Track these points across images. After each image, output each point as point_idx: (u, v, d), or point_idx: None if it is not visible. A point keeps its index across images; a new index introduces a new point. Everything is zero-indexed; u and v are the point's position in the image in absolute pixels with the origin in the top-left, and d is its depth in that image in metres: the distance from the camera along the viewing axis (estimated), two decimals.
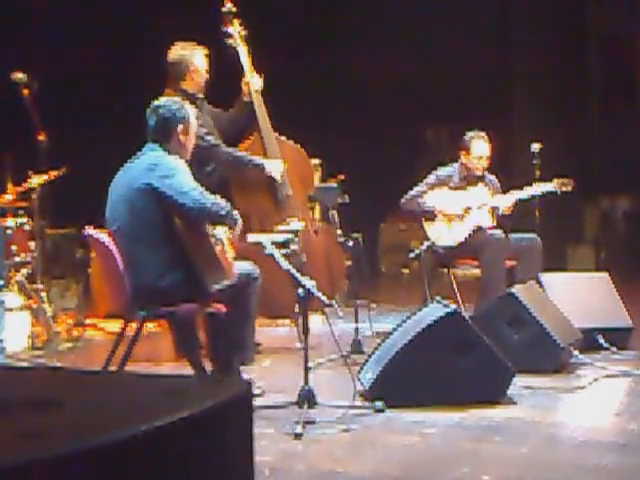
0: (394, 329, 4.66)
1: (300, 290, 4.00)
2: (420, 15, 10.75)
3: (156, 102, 4.36)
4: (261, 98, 5.87)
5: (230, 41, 5.91)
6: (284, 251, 4.34)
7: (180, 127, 4.29)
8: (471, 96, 10.49)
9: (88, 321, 6.72)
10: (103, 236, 4.35)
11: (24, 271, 6.12)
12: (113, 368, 4.13)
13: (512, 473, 3.30)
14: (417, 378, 4.23)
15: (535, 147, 6.46)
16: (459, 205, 6.30)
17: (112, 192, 4.29)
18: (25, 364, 5.43)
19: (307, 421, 3.87)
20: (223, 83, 5.51)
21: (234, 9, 5.94)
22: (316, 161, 7.64)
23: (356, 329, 5.69)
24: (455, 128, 6.66)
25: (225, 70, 5.60)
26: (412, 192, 6.42)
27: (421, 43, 10.70)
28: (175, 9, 9.60)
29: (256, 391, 4.27)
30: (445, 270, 6.47)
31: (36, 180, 6.11)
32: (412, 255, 5.99)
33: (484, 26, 11.21)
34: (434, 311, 4.48)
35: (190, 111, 4.38)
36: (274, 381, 4.73)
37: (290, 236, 4.59)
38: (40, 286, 6.10)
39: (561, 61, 11.34)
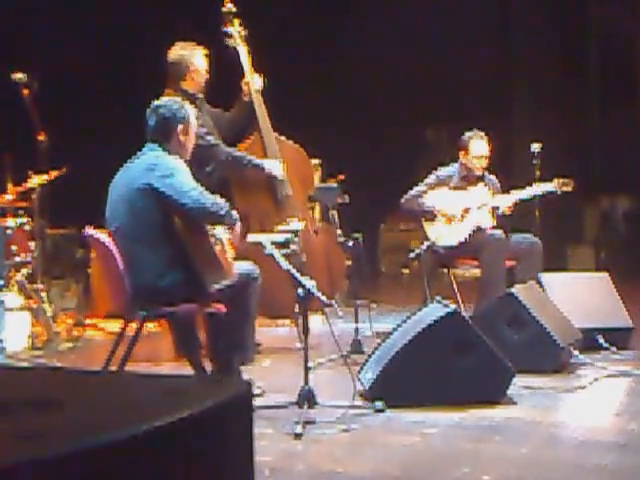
0: (394, 329, 4.66)
1: (300, 290, 4.00)
2: (420, 15, 10.76)
3: (156, 102, 4.36)
4: (261, 98, 5.88)
5: (230, 41, 5.91)
6: (284, 251, 4.35)
7: (180, 127, 4.29)
8: (471, 96, 10.50)
9: (88, 321, 6.72)
10: (103, 236, 4.35)
11: (24, 271, 6.13)
12: (113, 368, 4.13)
13: (512, 473, 3.30)
14: (417, 378, 4.23)
15: (535, 147, 6.46)
16: (459, 205, 6.30)
17: (112, 192, 4.29)
18: (25, 364, 5.43)
19: (307, 421, 3.87)
20: (223, 83, 5.51)
21: (234, 9, 5.94)
22: (316, 161, 7.64)
23: (356, 329, 5.70)
24: (455, 128, 6.66)
25: (225, 70, 5.60)
26: (412, 192, 6.42)
27: (421, 43, 10.70)
28: (175, 9, 9.60)
29: (256, 391, 4.27)
30: (445, 270, 6.48)
31: (36, 180, 6.12)
32: (412, 255, 5.99)
33: (484, 26, 11.22)
34: (434, 311, 4.48)
35: (190, 111, 4.38)
36: (274, 381, 4.72)
37: (290, 236, 4.59)
38: (40, 286, 6.10)
39: (561, 61, 11.35)
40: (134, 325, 4.22)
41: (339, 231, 5.88)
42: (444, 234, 6.22)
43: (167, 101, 4.40)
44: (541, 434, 3.84)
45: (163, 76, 5.53)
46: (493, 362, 4.31)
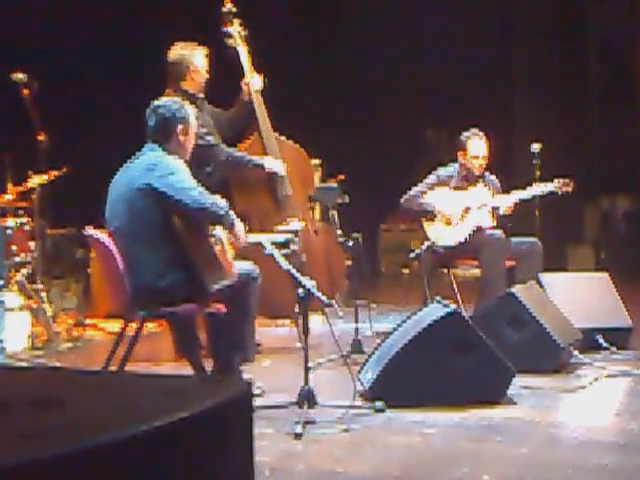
0: (394, 329, 4.66)
1: (300, 290, 4.00)
2: (420, 15, 10.76)
3: (156, 102, 4.36)
4: (261, 98, 5.88)
5: (230, 41, 5.91)
6: (284, 251, 4.35)
7: (180, 127, 4.29)
8: (471, 96, 10.49)
9: (88, 321, 6.72)
10: (103, 236, 4.35)
11: (24, 271, 6.12)
12: (113, 368, 4.13)
13: (512, 473, 3.30)
14: (417, 378, 4.23)
15: (535, 147, 6.46)
16: (459, 205, 6.30)
17: (112, 192, 4.29)
18: (25, 364, 5.43)
19: (307, 421, 3.87)
20: (223, 83, 5.51)
21: (234, 9, 5.94)
22: (316, 161, 7.64)
23: (356, 329, 5.69)
24: (455, 128, 6.66)
25: (225, 70, 5.60)
26: (412, 192, 6.42)
27: (421, 43, 10.70)
28: (175, 9, 9.60)
29: (256, 391, 4.28)
30: (445, 270, 6.47)
31: (36, 180, 6.11)
32: (412, 255, 5.99)
33: (484, 26, 11.21)
34: (434, 311, 4.48)
35: (190, 111, 4.38)
36: (274, 381, 4.73)
37: (290, 236, 4.59)
38: (40, 286, 6.10)
39: (561, 61, 11.35)
40: (134, 325, 4.22)
41: (339, 231, 5.88)
42: (444, 234, 6.22)
43: (167, 101, 4.40)
44: (541, 434, 3.84)
45: (163, 76, 5.53)
46: (493, 362, 4.31)
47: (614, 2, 11.56)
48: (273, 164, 5.75)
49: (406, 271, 9.83)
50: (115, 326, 5.17)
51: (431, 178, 6.46)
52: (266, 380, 4.63)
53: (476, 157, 6.32)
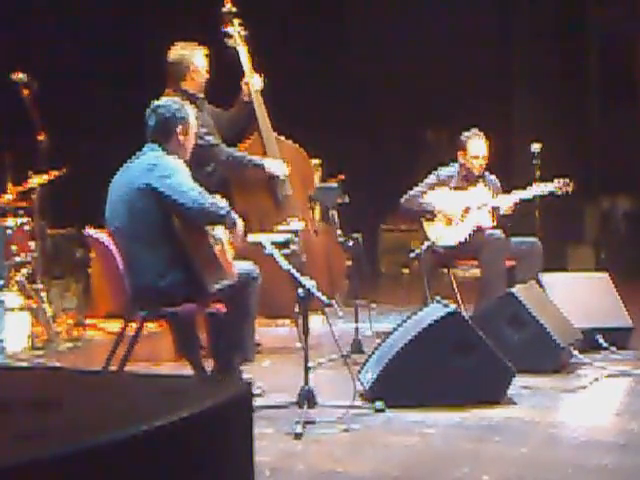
0: (394, 329, 4.66)
1: (300, 290, 4.00)
2: (420, 15, 10.75)
3: (156, 102, 4.36)
4: (261, 98, 5.88)
5: (230, 41, 5.91)
6: (284, 251, 4.35)
7: (180, 127, 4.29)
8: (471, 96, 10.49)
9: (88, 321, 6.72)
10: (103, 236, 4.35)
11: (24, 271, 6.12)
12: (113, 368, 4.13)
13: (512, 473, 3.30)
14: (417, 378, 4.23)
15: (535, 147, 6.46)
16: (459, 205, 6.30)
17: (111, 192, 4.29)
18: (25, 364, 5.43)
19: (307, 421, 3.87)
20: (223, 83, 5.51)
21: (234, 9, 5.94)
22: (316, 161, 7.64)
23: (356, 329, 5.69)
24: (455, 128, 6.66)
25: (225, 70, 5.60)
26: (412, 192, 6.42)
27: (421, 43, 10.70)
28: (175, 9, 9.59)
29: (256, 391, 4.27)
30: (445, 270, 6.47)
31: (36, 180, 6.11)
32: (412, 255, 5.99)
33: (484, 26, 11.21)
34: (434, 311, 4.48)
35: (190, 111, 4.39)
36: (274, 381, 4.72)
37: (290, 236, 4.59)
38: (40, 286, 6.10)
39: (561, 61, 11.34)
40: (134, 325, 4.22)
41: (339, 231, 5.87)
42: (444, 234, 6.22)
43: (167, 101, 4.40)
44: (541, 434, 3.84)
45: (163, 76, 5.53)
46: (493, 362, 4.31)
47: (614, 2, 11.56)
48: (274, 166, 5.75)
49: (406, 271, 9.83)
50: (115, 326, 5.17)
51: (431, 178, 6.46)
52: (266, 380, 4.63)
53: (476, 157, 6.32)
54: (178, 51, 5.50)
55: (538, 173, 6.38)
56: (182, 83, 5.48)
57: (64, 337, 6.24)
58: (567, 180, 6.14)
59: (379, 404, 4.15)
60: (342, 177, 8.05)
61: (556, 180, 6.16)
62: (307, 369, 4.05)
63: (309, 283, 4.00)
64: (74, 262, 7.66)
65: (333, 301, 5.99)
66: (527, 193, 6.18)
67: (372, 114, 11.25)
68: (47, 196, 6.34)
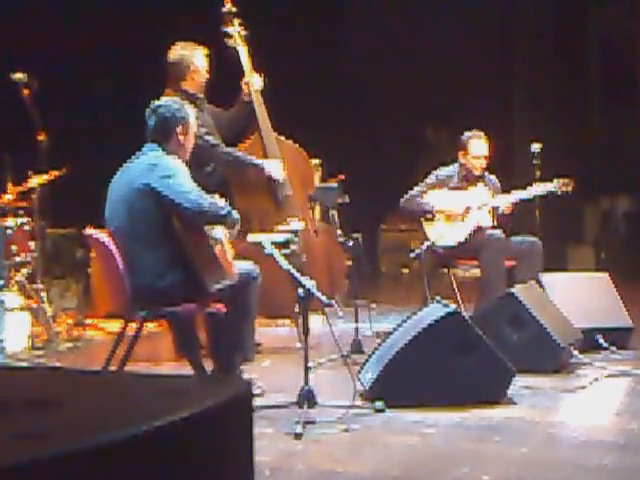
0: (394, 329, 4.66)
1: (300, 290, 4.00)
2: (420, 15, 10.75)
3: (156, 102, 4.36)
4: (261, 98, 5.88)
5: (230, 41, 5.91)
6: (284, 251, 4.35)
7: (179, 127, 4.29)
8: (471, 96, 10.49)
9: (88, 321, 6.72)
10: (103, 236, 4.35)
11: (24, 271, 6.12)
12: (113, 368, 4.13)
13: (512, 473, 3.30)
14: (417, 378, 4.23)
15: (535, 147, 6.46)
16: (459, 205, 6.30)
17: (111, 192, 4.29)
18: (25, 364, 5.43)
19: (307, 421, 3.87)
20: (223, 83, 5.51)
21: (234, 9, 5.94)
22: (316, 161, 7.64)
23: (356, 329, 5.70)
24: (455, 128, 6.66)
25: (225, 70, 5.60)
26: (412, 192, 6.42)
27: (421, 43, 10.69)
28: (175, 9, 9.59)
29: (256, 391, 4.27)
30: (445, 270, 6.48)
31: (36, 180, 6.11)
32: (412, 255, 5.99)
33: (485, 26, 11.20)
34: (434, 311, 4.48)
35: (190, 111, 4.39)
36: (274, 381, 4.72)
37: (290, 236, 4.59)
38: (40, 286, 6.10)
39: (561, 61, 11.34)
40: (134, 325, 4.22)
41: (339, 231, 5.87)
42: (444, 234, 6.22)
43: (167, 101, 4.40)
44: (541, 434, 3.84)
45: (163, 76, 5.53)
46: (493, 362, 4.31)
47: (614, 2, 11.56)
48: (272, 168, 5.74)
49: (406, 271, 9.84)
50: (115, 326, 5.17)
51: (431, 178, 6.47)
52: (266, 380, 4.63)
53: (477, 157, 6.33)
54: (178, 51, 5.50)
55: (538, 173, 6.39)
56: (182, 83, 5.48)
57: (64, 337, 6.24)
58: (567, 180, 6.15)
59: (379, 404, 4.15)
60: (342, 177, 8.05)
61: (556, 180, 6.16)
62: (307, 369, 4.05)
63: (309, 283, 4.00)
64: (74, 262, 7.66)
65: (333, 301, 5.98)
66: (527, 193, 6.18)
67: (372, 114, 11.24)
68: (47, 196, 6.34)
